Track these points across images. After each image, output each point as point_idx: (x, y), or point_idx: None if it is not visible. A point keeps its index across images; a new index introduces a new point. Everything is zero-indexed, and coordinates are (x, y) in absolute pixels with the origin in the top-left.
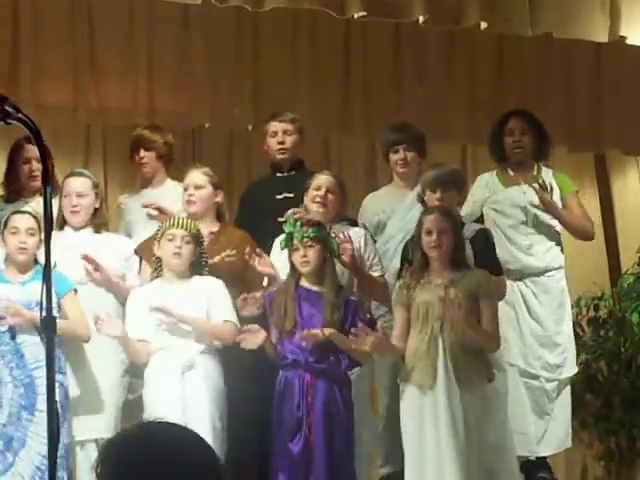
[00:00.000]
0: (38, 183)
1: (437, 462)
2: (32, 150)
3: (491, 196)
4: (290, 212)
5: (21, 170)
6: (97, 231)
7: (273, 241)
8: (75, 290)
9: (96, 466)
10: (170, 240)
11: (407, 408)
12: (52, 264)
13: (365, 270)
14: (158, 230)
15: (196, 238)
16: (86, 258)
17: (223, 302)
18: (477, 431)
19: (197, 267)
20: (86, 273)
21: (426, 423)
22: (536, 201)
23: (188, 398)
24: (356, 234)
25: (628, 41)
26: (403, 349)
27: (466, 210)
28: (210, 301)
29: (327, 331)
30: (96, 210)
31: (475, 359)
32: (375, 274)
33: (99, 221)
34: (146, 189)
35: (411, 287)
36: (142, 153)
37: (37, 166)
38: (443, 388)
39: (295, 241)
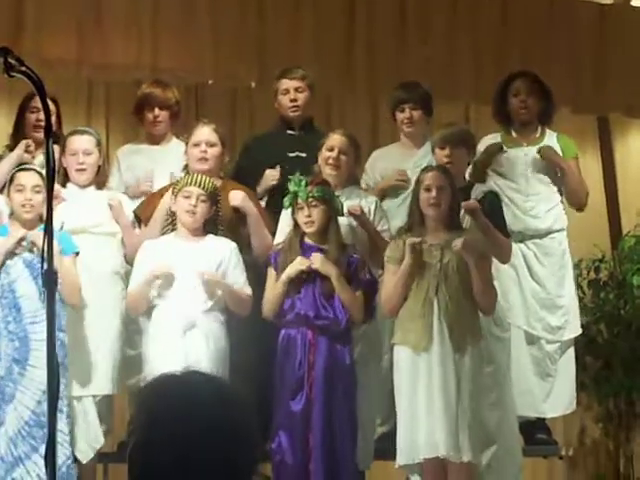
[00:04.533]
0: (41, 134)
1: (429, 422)
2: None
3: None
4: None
5: (27, 118)
6: (99, 188)
7: (281, 197)
8: (77, 253)
9: (134, 409)
10: (186, 197)
11: (401, 369)
12: (60, 225)
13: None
14: (175, 184)
15: (212, 196)
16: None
17: (239, 270)
18: (470, 391)
19: (212, 225)
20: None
21: (419, 383)
22: (539, 162)
23: (188, 355)
24: (366, 200)
25: (633, 3)
26: (394, 308)
27: (470, 172)
28: (223, 266)
29: None
30: (99, 167)
31: (469, 321)
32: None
33: (102, 179)
34: (153, 145)
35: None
36: (157, 112)
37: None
38: (437, 350)
39: (299, 200)
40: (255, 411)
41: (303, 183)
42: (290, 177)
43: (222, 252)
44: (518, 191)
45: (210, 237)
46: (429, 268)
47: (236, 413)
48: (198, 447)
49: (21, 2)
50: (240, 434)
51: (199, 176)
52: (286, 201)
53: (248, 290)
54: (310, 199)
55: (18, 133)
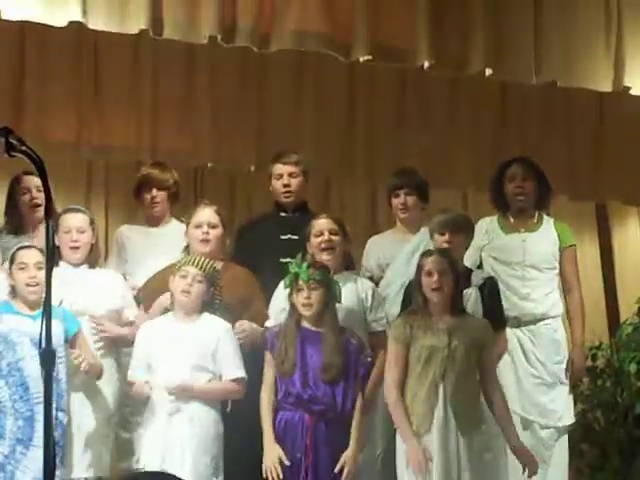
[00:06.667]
0: (39, 213)
1: None
2: (29, 180)
3: (490, 242)
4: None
5: (20, 200)
6: (92, 267)
7: (273, 280)
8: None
9: None
10: (183, 277)
11: (403, 452)
12: (58, 302)
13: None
14: (175, 264)
15: (210, 279)
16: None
17: (231, 354)
18: (470, 477)
19: (209, 306)
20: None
21: None
22: (535, 250)
23: (171, 440)
24: (362, 286)
25: (632, 91)
26: (397, 396)
27: (467, 256)
28: (217, 348)
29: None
30: (92, 246)
31: (473, 406)
32: (378, 329)
33: (94, 257)
34: (153, 227)
35: (414, 327)
36: (154, 192)
37: (37, 195)
38: (438, 434)
39: (300, 282)
40: None
41: (304, 265)
42: (287, 260)
43: (214, 334)
44: (515, 277)
45: (205, 316)
46: (436, 352)
47: None
48: None
49: (22, 84)
50: None
51: (199, 257)
52: (286, 281)
53: (235, 374)
54: (310, 281)
55: (12, 215)
